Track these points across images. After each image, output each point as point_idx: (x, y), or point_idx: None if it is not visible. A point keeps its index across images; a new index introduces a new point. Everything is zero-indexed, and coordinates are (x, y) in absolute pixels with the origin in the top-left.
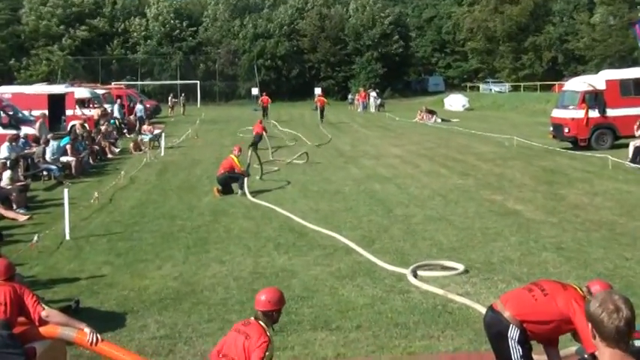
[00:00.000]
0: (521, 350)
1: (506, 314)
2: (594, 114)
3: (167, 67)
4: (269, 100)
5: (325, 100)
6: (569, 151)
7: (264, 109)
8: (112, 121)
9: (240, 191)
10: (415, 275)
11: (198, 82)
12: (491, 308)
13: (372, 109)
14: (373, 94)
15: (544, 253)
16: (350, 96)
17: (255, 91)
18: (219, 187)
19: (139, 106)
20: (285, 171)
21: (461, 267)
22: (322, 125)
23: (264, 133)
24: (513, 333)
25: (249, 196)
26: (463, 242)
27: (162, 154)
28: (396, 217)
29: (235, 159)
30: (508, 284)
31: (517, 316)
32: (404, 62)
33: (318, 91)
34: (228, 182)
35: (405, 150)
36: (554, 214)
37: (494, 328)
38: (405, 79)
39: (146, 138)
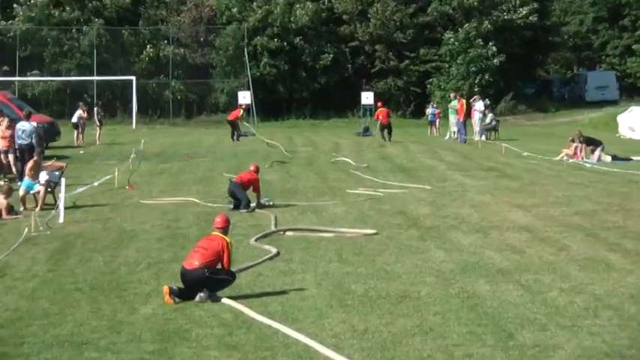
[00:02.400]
0: None
1: None
2: None
3: (72, 50)
4: (241, 112)
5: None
6: None
7: (233, 127)
8: None
9: (202, 295)
10: None
11: (134, 79)
12: None
13: (477, 136)
14: (479, 104)
15: None
16: (429, 110)
17: (244, 97)
18: (176, 288)
19: (20, 125)
20: (299, 252)
21: None
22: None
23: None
24: None
25: (229, 302)
26: None
27: (62, 219)
28: (521, 348)
29: (228, 240)
30: None
31: None
32: (538, 45)
33: (367, 97)
34: (207, 285)
35: (540, 216)
36: None
37: None
38: (541, 75)
39: (32, 187)
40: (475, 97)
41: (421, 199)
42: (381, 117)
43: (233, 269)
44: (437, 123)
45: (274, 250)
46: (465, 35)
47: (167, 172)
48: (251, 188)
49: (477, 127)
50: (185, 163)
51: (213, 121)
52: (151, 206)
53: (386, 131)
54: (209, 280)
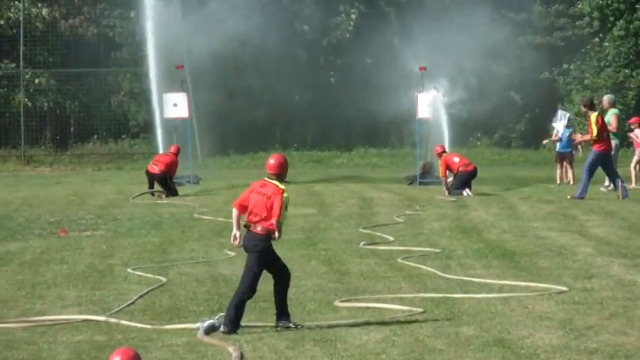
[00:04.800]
0: None
1: None
2: None
3: None
4: (176, 158)
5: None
6: None
7: (158, 182)
8: None
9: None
10: None
11: None
12: None
13: None
14: None
15: None
16: (558, 129)
17: (175, 104)
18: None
19: None
20: None
21: None
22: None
23: None
24: None
25: None
26: None
27: None
28: None
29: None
30: None
31: None
32: None
33: (430, 104)
34: None
35: None
36: None
37: None
38: None
39: None
40: None
41: (543, 314)
42: (458, 162)
43: None
44: (574, 157)
45: None
46: None
47: (15, 261)
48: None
49: None
50: (53, 242)
51: (110, 155)
52: None
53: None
54: None
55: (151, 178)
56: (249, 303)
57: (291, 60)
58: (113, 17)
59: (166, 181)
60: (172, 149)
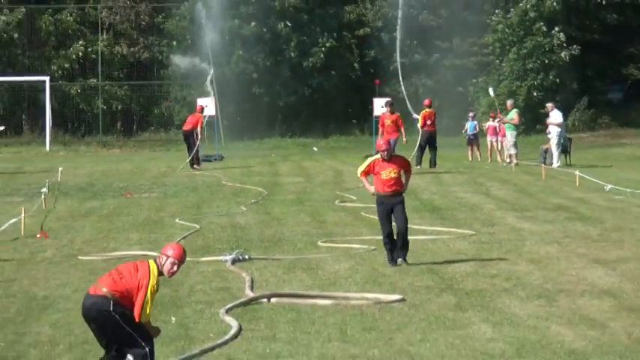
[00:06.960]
0: None
1: None
2: None
3: None
4: (203, 118)
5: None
6: None
7: (186, 136)
8: None
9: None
10: None
11: (48, 80)
12: None
13: (555, 160)
14: (555, 115)
15: None
16: (468, 124)
17: (206, 106)
18: None
19: None
20: (284, 327)
21: None
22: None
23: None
24: None
25: None
26: None
27: None
28: None
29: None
30: None
31: None
32: (627, 30)
33: (383, 106)
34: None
35: (628, 275)
36: None
37: None
38: (632, 75)
39: None
40: (549, 105)
41: (459, 251)
42: (428, 122)
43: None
44: (478, 140)
45: (235, 326)
46: (519, 18)
47: (96, 214)
48: None
49: (554, 149)
50: (122, 201)
51: (161, 141)
52: (73, 263)
53: (427, 151)
54: (112, 320)
55: (185, 134)
56: (258, 242)
57: (283, 77)
58: (162, 45)
59: (193, 136)
60: (198, 108)
